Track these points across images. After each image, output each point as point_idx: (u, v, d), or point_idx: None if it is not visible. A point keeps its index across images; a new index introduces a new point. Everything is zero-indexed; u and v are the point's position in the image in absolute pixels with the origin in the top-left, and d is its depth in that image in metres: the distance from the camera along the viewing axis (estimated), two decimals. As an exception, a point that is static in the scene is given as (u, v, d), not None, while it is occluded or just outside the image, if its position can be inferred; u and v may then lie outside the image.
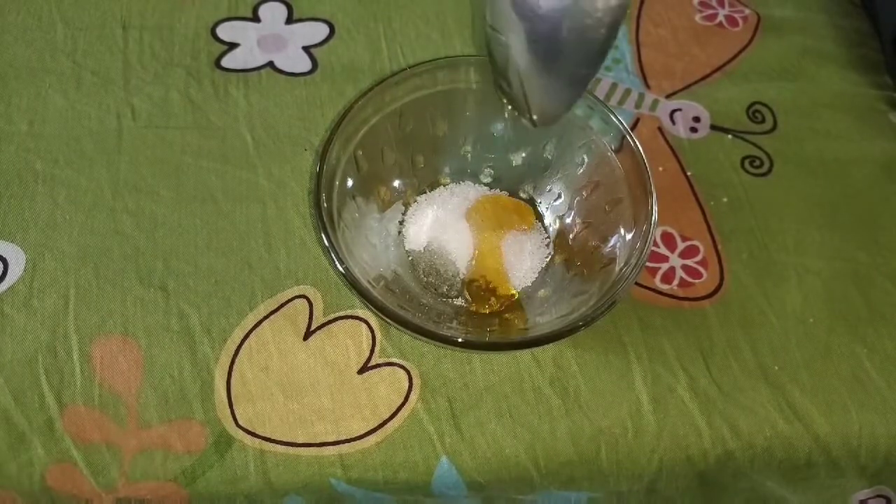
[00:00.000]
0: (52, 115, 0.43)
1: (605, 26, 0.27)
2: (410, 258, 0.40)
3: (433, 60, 0.39)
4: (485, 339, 0.36)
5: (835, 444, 0.37)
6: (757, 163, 0.45)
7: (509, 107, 0.35)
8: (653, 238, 0.35)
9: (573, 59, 0.29)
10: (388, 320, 0.34)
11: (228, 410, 0.35)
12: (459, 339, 0.33)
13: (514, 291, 0.39)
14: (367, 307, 0.36)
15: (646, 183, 0.36)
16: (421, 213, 0.40)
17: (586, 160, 0.39)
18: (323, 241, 0.34)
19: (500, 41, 0.31)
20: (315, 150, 0.43)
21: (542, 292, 0.39)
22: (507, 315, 0.38)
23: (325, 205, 0.35)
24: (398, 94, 0.39)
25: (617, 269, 0.36)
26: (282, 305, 0.38)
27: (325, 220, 0.34)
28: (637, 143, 0.37)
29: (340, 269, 0.34)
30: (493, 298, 0.38)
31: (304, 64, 0.46)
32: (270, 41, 0.47)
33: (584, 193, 0.40)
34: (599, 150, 0.38)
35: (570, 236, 0.40)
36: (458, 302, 0.39)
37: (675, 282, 0.40)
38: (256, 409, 0.36)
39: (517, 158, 0.41)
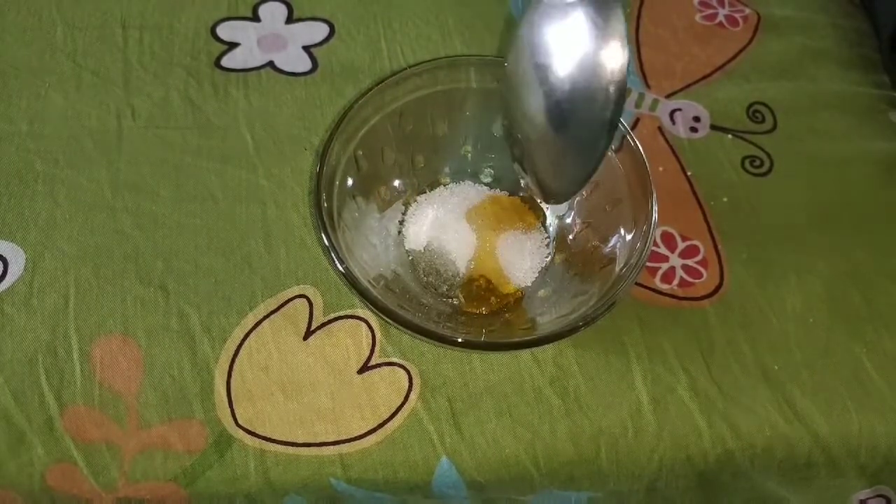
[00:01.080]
0: (52, 115, 0.43)
1: (612, 84, 0.29)
2: (410, 258, 0.40)
3: (433, 60, 0.39)
4: (485, 339, 0.36)
5: (835, 444, 0.37)
6: (757, 163, 0.45)
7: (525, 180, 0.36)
8: (653, 238, 0.35)
9: (584, 127, 0.31)
10: (388, 320, 0.34)
11: (228, 410, 0.35)
12: (459, 339, 0.33)
13: (515, 290, 0.39)
14: (367, 307, 0.36)
15: (646, 183, 0.36)
16: (421, 213, 0.40)
17: (586, 160, 0.39)
18: (323, 240, 0.34)
19: (517, 138, 0.33)
20: (315, 150, 0.43)
21: (542, 292, 0.39)
22: (507, 315, 0.38)
23: (325, 205, 0.35)
24: (398, 94, 0.39)
25: (617, 269, 0.36)
26: (282, 305, 0.38)
27: (325, 219, 0.34)
28: (637, 142, 0.37)
29: (340, 268, 0.34)
30: (493, 298, 0.38)
31: (304, 64, 0.46)
32: (270, 41, 0.47)
33: (584, 193, 0.40)
34: (599, 150, 0.38)
35: (570, 236, 0.40)
36: (458, 302, 0.39)
37: (675, 282, 0.40)
38: (256, 409, 0.36)
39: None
